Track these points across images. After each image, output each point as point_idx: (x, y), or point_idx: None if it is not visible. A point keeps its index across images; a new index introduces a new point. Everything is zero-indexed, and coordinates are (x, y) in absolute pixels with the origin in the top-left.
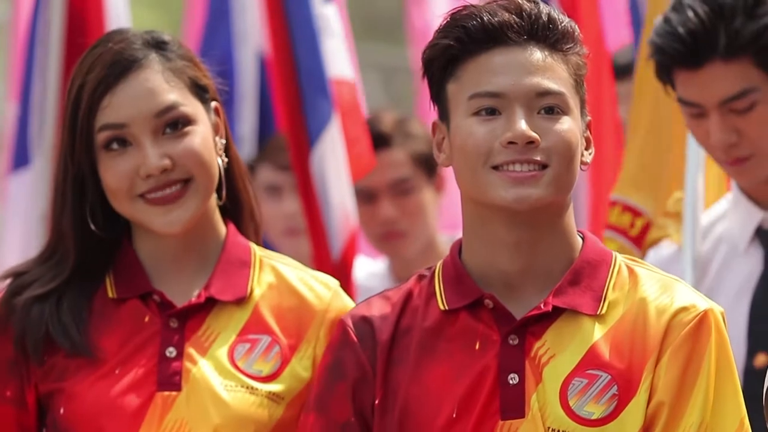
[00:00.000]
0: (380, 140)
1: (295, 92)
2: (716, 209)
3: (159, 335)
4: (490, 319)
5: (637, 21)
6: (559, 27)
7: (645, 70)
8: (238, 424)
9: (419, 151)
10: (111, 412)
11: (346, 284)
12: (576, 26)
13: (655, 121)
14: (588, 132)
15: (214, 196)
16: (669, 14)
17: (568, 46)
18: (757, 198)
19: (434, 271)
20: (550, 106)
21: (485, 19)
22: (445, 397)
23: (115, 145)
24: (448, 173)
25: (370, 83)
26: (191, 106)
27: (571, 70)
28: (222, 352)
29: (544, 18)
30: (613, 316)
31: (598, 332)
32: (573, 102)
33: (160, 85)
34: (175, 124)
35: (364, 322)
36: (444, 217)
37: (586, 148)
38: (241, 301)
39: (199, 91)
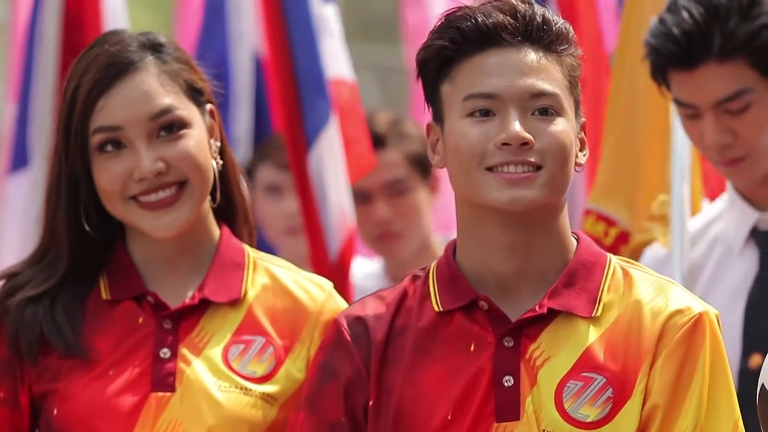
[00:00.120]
0: (375, 141)
1: (292, 93)
2: (711, 210)
3: (153, 336)
4: (485, 320)
5: None
6: (554, 28)
7: (618, 76)
8: (232, 425)
9: (414, 152)
10: (105, 413)
11: (344, 285)
12: (570, 27)
13: (627, 128)
14: (582, 133)
15: (209, 198)
16: (664, 15)
17: (562, 48)
18: (753, 199)
19: (428, 272)
20: (544, 108)
21: (479, 20)
22: (440, 398)
23: (109, 148)
24: (443, 174)
25: (366, 84)
26: (186, 109)
27: (566, 71)
28: (216, 353)
29: (539, 19)
30: (608, 319)
31: (593, 335)
32: (567, 103)
33: (155, 88)
34: (170, 127)
35: (358, 322)
36: (438, 217)
37: (581, 150)
38: (235, 302)
39: (194, 94)
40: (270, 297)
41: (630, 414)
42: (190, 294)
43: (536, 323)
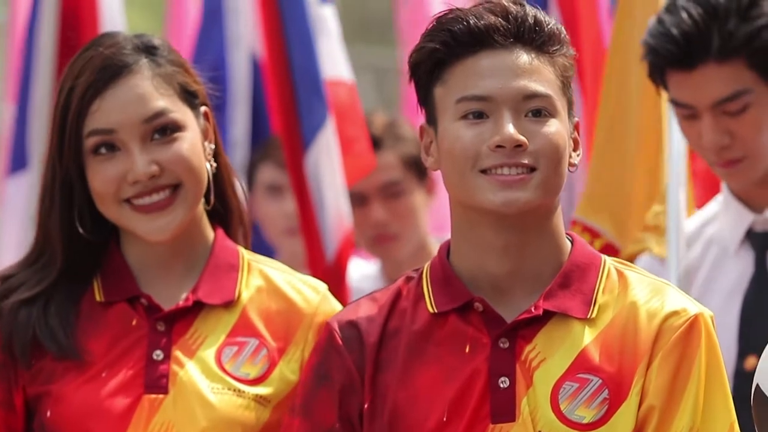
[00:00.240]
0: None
1: (289, 94)
2: (706, 212)
3: (146, 338)
4: (479, 322)
5: None
6: (546, 29)
7: (607, 87)
8: (225, 427)
9: (409, 154)
10: (98, 415)
11: (340, 286)
12: (562, 28)
13: (615, 138)
14: (575, 133)
15: (203, 200)
16: (663, 15)
17: (554, 48)
18: (748, 200)
19: (422, 273)
20: (537, 109)
21: (471, 22)
22: (435, 400)
23: (103, 150)
24: (438, 176)
25: (363, 85)
26: (180, 112)
27: (558, 72)
28: (209, 354)
29: (530, 20)
30: (603, 320)
31: (588, 336)
32: (560, 104)
33: (149, 91)
34: (164, 130)
35: (351, 326)
36: (432, 219)
37: (574, 150)
38: (229, 304)
39: (189, 96)
40: (264, 299)
41: (626, 415)
42: (183, 296)
43: (532, 324)
